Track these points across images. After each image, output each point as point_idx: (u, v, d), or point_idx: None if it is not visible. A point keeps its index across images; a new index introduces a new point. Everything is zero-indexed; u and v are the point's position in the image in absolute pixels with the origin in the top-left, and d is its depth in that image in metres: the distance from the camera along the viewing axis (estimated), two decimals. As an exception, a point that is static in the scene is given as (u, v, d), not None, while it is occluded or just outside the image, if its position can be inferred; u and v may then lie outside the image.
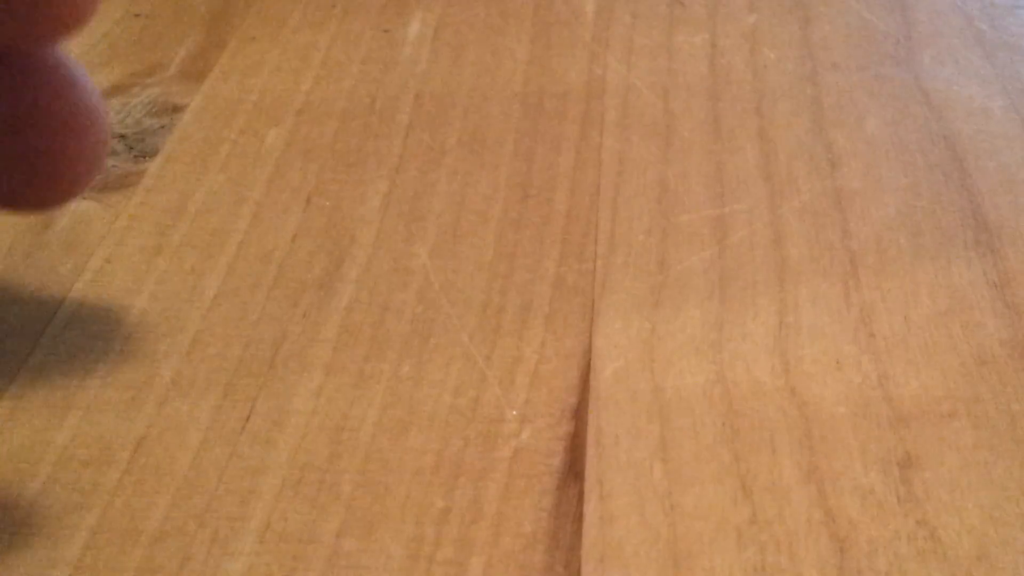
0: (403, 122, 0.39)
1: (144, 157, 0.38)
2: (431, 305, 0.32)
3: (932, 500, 0.26)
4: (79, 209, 0.36)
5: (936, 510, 0.25)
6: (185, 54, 0.44)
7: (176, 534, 0.25)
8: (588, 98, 0.40)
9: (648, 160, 0.37)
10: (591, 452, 0.27)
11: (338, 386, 0.29)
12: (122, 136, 0.39)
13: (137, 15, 0.47)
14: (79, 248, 0.34)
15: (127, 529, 0.26)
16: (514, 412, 0.28)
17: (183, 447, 0.28)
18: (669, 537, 0.25)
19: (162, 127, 0.40)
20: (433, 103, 0.40)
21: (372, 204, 0.36)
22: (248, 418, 0.28)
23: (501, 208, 0.35)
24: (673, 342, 0.30)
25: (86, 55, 0.44)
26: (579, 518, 0.25)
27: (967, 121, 0.39)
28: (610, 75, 0.42)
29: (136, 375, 0.30)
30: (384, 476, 0.27)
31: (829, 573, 0.24)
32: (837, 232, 0.34)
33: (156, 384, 0.29)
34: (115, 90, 0.42)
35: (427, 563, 0.25)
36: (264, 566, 0.25)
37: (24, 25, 0.19)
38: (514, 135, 0.38)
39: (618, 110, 0.40)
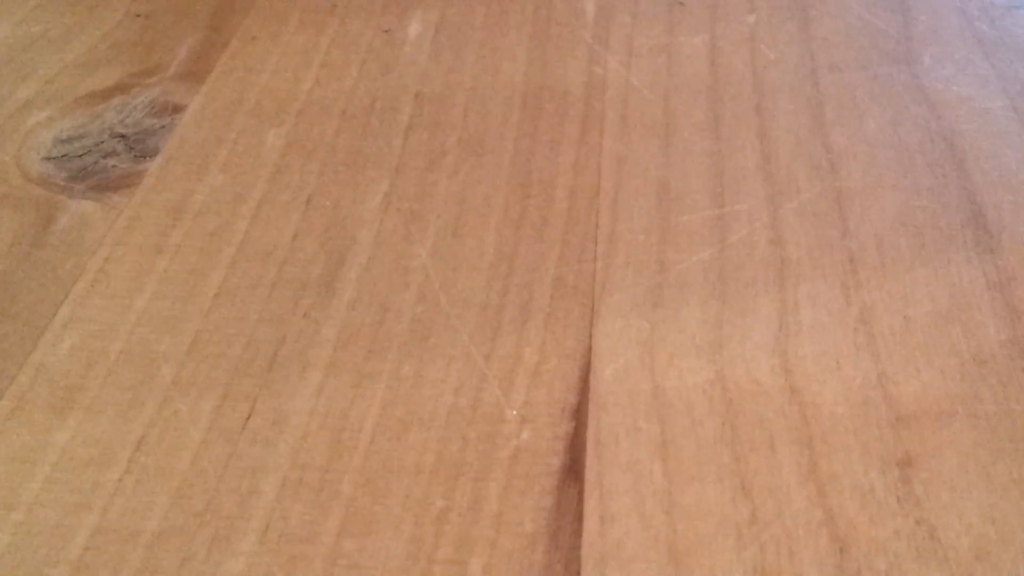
0: (403, 122, 0.39)
1: (144, 157, 0.38)
2: (431, 305, 0.32)
3: (932, 500, 0.26)
4: (79, 209, 0.36)
5: (936, 510, 0.25)
6: (185, 54, 0.44)
7: (176, 534, 0.25)
8: (588, 98, 0.40)
9: (648, 160, 0.37)
10: (591, 452, 0.27)
11: (338, 386, 0.29)
12: (122, 136, 0.39)
13: (137, 15, 0.47)
14: (79, 248, 0.34)
15: (127, 529, 0.26)
16: (514, 412, 0.28)
17: (183, 447, 0.28)
18: (669, 537, 0.25)
19: (162, 127, 0.40)
20: (433, 103, 0.40)
21: (372, 204, 0.36)
22: (248, 418, 0.28)
23: (501, 208, 0.35)
24: (673, 342, 0.30)
25: (86, 55, 0.44)
26: (579, 518, 0.25)
27: (967, 121, 0.39)
28: (610, 75, 0.42)
29: (136, 375, 0.30)
30: (384, 476, 0.27)
31: (829, 573, 0.24)
32: (837, 232, 0.34)
33: (156, 384, 0.29)
34: (115, 90, 0.42)
35: (427, 563, 0.25)
36: (264, 566, 0.25)
37: None
38: (514, 135, 0.38)
39: (618, 110, 0.40)
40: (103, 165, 0.38)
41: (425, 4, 0.47)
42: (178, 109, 0.41)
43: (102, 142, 0.39)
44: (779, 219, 0.34)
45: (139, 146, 0.39)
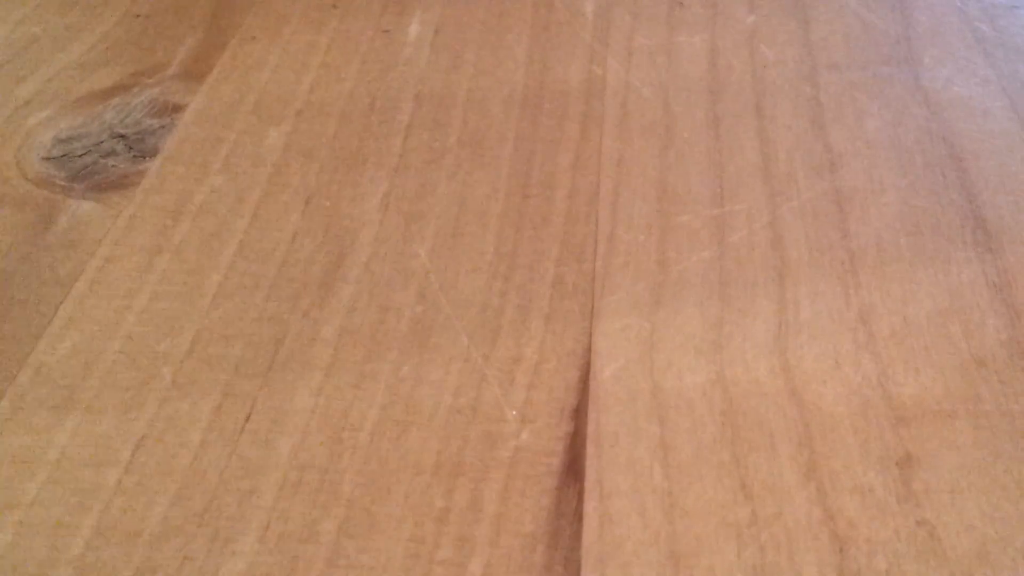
0: (403, 122, 0.39)
1: (144, 157, 0.38)
2: (431, 305, 0.32)
3: (932, 500, 0.26)
4: (79, 209, 0.36)
5: (936, 510, 0.25)
6: (185, 54, 0.44)
7: (176, 534, 0.25)
8: (588, 98, 0.40)
9: (648, 160, 0.37)
10: (591, 452, 0.27)
11: (338, 386, 0.29)
12: (122, 136, 0.39)
13: (137, 15, 0.47)
14: (79, 248, 0.34)
15: (127, 529, 0.26)
16: (514, 412, 0.28)
17: (183, 447, 0.28)
18: (669, 537, 0.25)
19: (162, 127, 0.40)
20: (433, 103, 0.40)
21: (372, 204, 0.36)
22: (248, 418, 0.28)
23: (501, 208, 0.35)
24: (673, 342, 0.30)
25: (86, 55, 0.44)
26: (579, 518, 0.25)
27: (967, 121, 0.39)
28: (610, 75, 0.42)
29: (136, 375, 0.30)
30: (384, 476, 0.27)
31: (829, 573, 0.24)
32: (837, 232, 0.34)
33: (156, 384, 0.29)
34: (115, 90, 0.42)
35: (427, 563, 0.25)
36: (264, 566, 0.25)
37: None
38: (514, 135, 0.38)
39: (618, 110, 0.40)
40: (103, 165, 0.38)
41: (425, 4, 0.47)
42: (178, 109, 0.41)
43: (102, 142, 0.39)
44: (779, 219, 0.34)
45: (139, 146, 0.39)
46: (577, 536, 0.25)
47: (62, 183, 0.37)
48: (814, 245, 0.33)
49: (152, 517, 0.26)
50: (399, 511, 0.26)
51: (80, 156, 0.38)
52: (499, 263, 0.33)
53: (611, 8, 0.46)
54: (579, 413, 0.28)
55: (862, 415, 0.28)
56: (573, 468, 0.27)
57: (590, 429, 0.28)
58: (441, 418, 0.28)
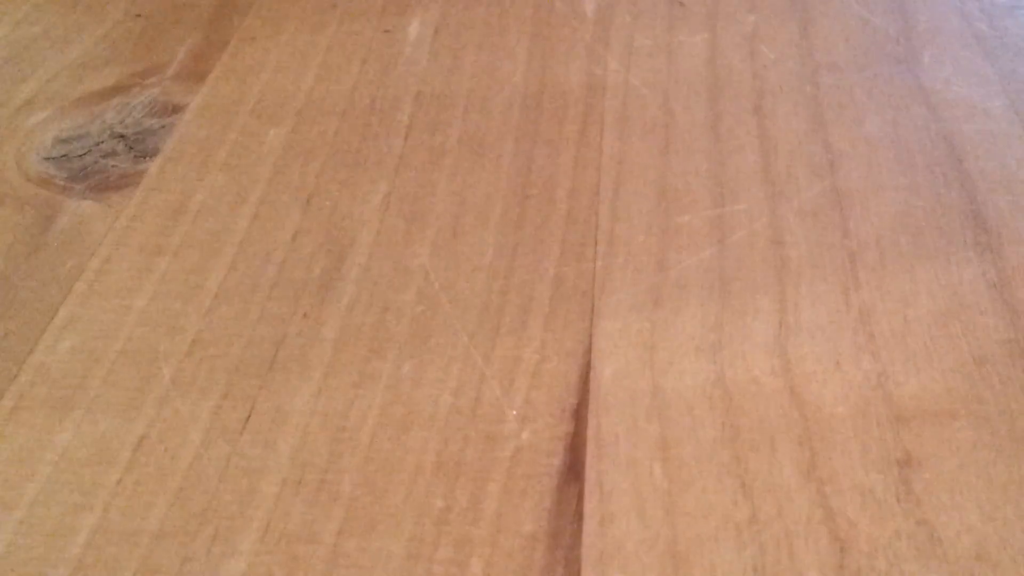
0: (403, 122, 0.39)
1: (144, 157, 0.38)
2: (431, 305, 0.32)
3: (932, 500, 0.26)
4: (79, 209, 0.36)
5: (936, 510, 0.25)
6: (185, 54, 0.44)
7: (176, 534, 0.25)
8: (588, 98, 0.40)
9: (648, 160, 0.37)
10: (591, 452, 0.27)
11: (338, 386, 0.29)
12: (122, 136, 0.39)
13: (137, 15, 0.47)
14: (79, 248, 0.34)
15: (127, 529, 0.26)
16: (514, 412, 0.28)
17: (183, 447, 0.28)
18: (669, 537, 0.25)
19: (162, 127, 0.40)
20: (433, 103, 0.40)
21: (372, 204, 0.36)
22: (248, 418, 0.28)
23: (501, 208, 0.35)
24: (673, 342, 0.30)
25: (86, 55, 0.44)
26: (579, 518, 0.25)
27: (967, 121, 0.39)
28: (610, 75, 0.42)
29: (136, 375, 0.30)
30: (384, 476, 0.27)
31: (829, 573, 0.24)
32: (837, 232, 0.34)
33: (156, 384, 0.29)
34: (115, 90, 0.42)
35: (427, 563, 0.25)
36: (264, 566, 0.25)
37: None
38: (514, 135, 0.38)
39: (618, 110, 0.40)
40: (103, 165, 0.38)
41: (425, 4, 0.47)
42: (178, 109, 0.41)
43: (102, 142, 0.39)
44: (779, 219, 0.34)
45: (139, 146, 0.39)
46: (577, 536, 0.25)
47: (62, 183, 0.37)
48: (814, 245, 0.33)
49: (152, 517, 0.26)
50: (399, 511, 0.26)
51: (80, 156, 0.38)
52: (499, 263, 0.33)
53: (611, 8, 0.46)
54: (579, 413, 0.28)
55: (862, 415, 0.28)
56: (573, 468, 0.27)
57: (590, 429, 0.28)
58: (441, 418, 0.28)
